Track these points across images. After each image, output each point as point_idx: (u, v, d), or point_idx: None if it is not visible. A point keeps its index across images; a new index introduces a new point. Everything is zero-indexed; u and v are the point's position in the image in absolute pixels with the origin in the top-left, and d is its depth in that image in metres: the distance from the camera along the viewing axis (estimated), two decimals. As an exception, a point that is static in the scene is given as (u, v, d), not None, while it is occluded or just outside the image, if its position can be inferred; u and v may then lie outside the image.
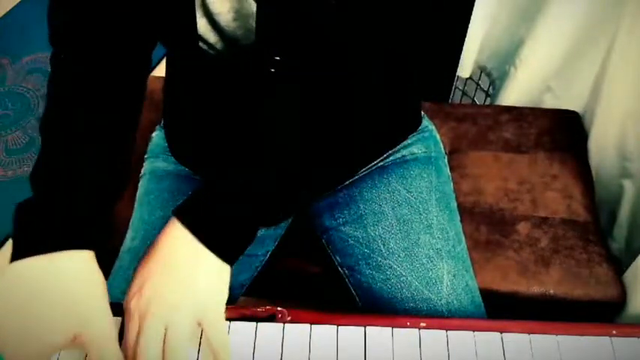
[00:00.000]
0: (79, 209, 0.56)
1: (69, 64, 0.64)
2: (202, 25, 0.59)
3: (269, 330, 0.58)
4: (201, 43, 0.61)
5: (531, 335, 0.58)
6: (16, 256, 0.53)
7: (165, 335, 0.52)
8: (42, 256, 0.53)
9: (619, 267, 0.94)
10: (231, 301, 0.57)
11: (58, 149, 0.60)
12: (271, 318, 0.59)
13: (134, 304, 0.53)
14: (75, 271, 0.54)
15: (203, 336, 0.57)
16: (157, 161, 0.82)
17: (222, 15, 0.59)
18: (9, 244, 1.38)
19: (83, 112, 0.61)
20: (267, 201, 0.59)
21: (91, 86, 0.63)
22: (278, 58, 0.60)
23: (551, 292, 0.90)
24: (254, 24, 0.58)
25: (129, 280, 0.70)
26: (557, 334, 0.58)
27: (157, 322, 0.52)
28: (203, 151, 0.77)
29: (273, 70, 0.61)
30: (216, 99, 0.69)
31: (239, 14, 0.59)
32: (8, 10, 2.05)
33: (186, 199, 0.58)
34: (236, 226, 0.57)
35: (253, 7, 0.57)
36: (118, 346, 0.53)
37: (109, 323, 0.54)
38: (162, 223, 0.74)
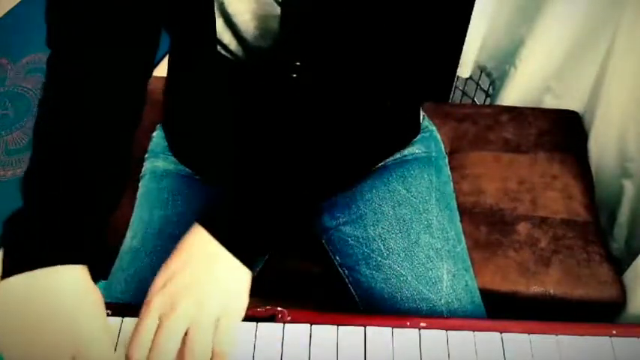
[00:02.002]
0: (72, 222, 0.55)
1: (65, 67, 0.61)
2: (218, 25, 0.59)
3: (269, 330, 0.58)
4: (217, 44, 0.60)
5: (531, 335, 0.58)
6: (6, 272, 0.52)
7: (187, 333, 0.51)
8: (34, 272, 0.51)
9: (619, 267, 0.94)
10: None
11: (49, 159, 0.57)
12: (271, 318, 0.59)
13: (158, 300, 0.53)
14: (69, 289, 0.52)
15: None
16: (157, 161, 0.82)
17: (240, 15, 0.58)
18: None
19: (79, 120, 0.59)
20: (288, 207, 0.59)
21: (88, 93, 0.61)
22: (299, 63, 0.60)
23: (551, 292, 0.90)
24: (273, 25, 0.58)
25: (128, 280, 0.70)
26: (557, 334, 0.58)
27: (181, 319, 0.51)
28: (206, 151, 0.76)
29: (294, 75, 0.61)
30: (226, 100, 0.69)
31: (257, 15, 0.58)
32: (8, 10, 2.05)
33: (209, 207, 0.58)
34: (258, 232, 0.57)
35: (273, 8, 0.57)
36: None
37: (106, 342, 0.53)
38: (162, 223, 0.75)
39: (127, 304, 0.57)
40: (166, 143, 0.83)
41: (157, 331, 0.51)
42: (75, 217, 0.55)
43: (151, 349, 0.51)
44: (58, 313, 0.51)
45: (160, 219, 0.75)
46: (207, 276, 0.54)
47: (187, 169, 0.80)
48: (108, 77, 0.62)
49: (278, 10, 0.57)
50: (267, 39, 0.60)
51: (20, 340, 0.51)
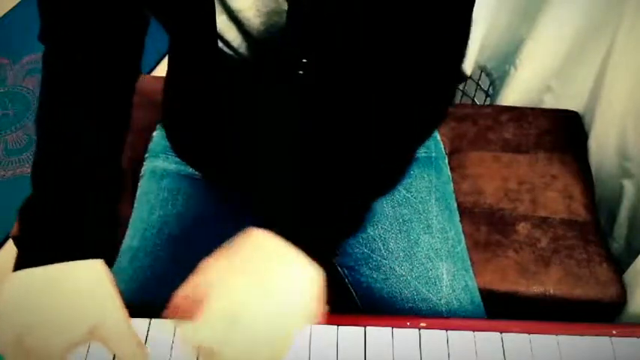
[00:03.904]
0: (84, 214, 0.56)
1: (58, 61, 0.62)
2: (221, 22, 0.58)
3: (269, 330, 0.58)
4: (218, 41, 0.60)
5: (531, 335, 0.58)
6: (22, 263, 0.53)
7: None
8: (49, 266, 0.52)
9: (619, 267, 0.94)
10: None
11: (49, 153, 0.59)
12: (271, 318, 0.59)
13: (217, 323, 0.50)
14: (86, 279, 0.53)
15: None
16: (156, 160, 0.82)
17: (244, 12, 0.57)
18: (9, 244, 1.38)
19: (73, 112, 0.60)
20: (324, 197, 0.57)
21: (81, 85, 0.61)
22: (305, 60, 0.59)
23: (551, 292, 0.90)
24: (278, 21, 0.57)
25: (128, 280, 0.70)
26: (557, 334, 0.58)
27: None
28: (207, 149, 0.76)
29: (300, 72, 0.60)
30: (228, 97, 0.68)
31: (262, 11, 0.57)
32: (8, 10, 2.05)
33: (268, 209, 0.56)
34: (333, 228, 0.56)
35: (278, 4, 0.56)
36: (135, 336, 0.53)
37: (123, 314, 0.53)
38: (162, 223, 0.74)
39: (126, 304, 0.56)
40: (166, 143, 0.82)
41: None
42: (84, 212, 0.56)
43: None
44: (74, 292, 0.52)
45: (159, 219, 0.75)
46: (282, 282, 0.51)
47: (187, 169, 0.80)
48: (99, 71, 0.63)
49: (283, 5, 0.57)
50: (272, 35, 0.59)
51: (38, 320, 0.51)
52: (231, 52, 0.61)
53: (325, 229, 0.56)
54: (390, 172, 0.62)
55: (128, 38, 0.65)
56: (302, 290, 0.51)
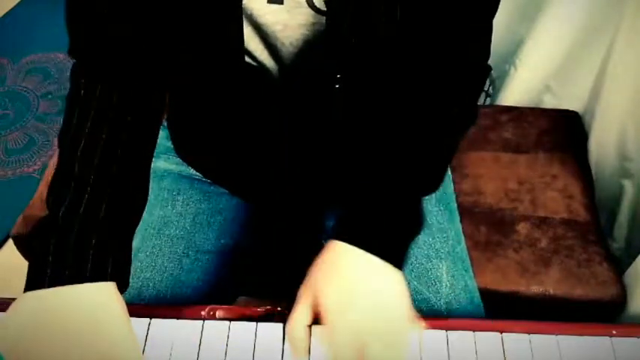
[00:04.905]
0: (100, 240, 0.54)
1: (89, 82, 0.60)
2: (247, 35, 0.57)
3: (269, 330, 0.58)
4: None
5: (531, 335, 0.58)
6: (31, 285, 0.52)
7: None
8: (60, 288, 0.51)
9: (619, 267, 0.94)
10: (228, 301, 0.56)
11: (73, 174, 0.56)
12: (271, 317, 0.59)
13: (344, 324, 0.53)
14: (96, 301, 0.52)
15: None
16: (157, 161, 0.82)
17: (271, 26, 0.57)
18: (9, 244, 1.38)
19: (103, 135, 0.58)
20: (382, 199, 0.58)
21: (112, 107, 0.59)
22: (339, 75, 0.60)
23: (551, 292, 0.90)
24: (306, 33, 0.57)
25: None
26: (557, 334, 0.58)
27: (378, 339, 0.52)
28: (220, 156, 0.75)
29: (337, 86, 0.60)
30: (247, 109, 0.66)
31: (288, 26, 0.57)
32: (8, 10, 2.05)
33: (342, 221, 0.58)
34: (397, 230, 0.57)
35: (306, 17, 0.56)
36: None
37: (134, 350, 0.52)
38: (162, 223, 0.74)
39: (126, 304, 0.56)
40: (168, 143, 0.82)
41: None
42: (102, 236, 0.55)
43: None
44: (86, 323, 0.51)
45: (159, 219, 0.75)
46: (375, 292, 0.54)
47: (188, 170, 0.80)
48: (130, 94, 0.61)
49: (311, 18, 0.56)
50: (300, 49, 0.59)
51: (49, 352, 0.50)
52: (256, 65, 0.61)
53: (389, 234, 0.57)
54: (432, 168, 0.63)
55: (163, 71, 0.63)
56: (401, 294, 0.55)
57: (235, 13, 0.55)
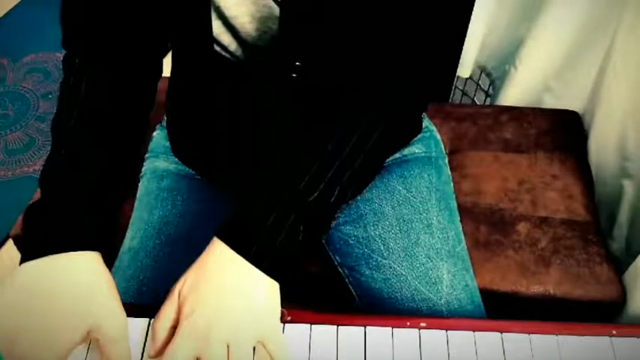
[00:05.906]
0: (84, 212, 0.58)
1: (81, 68, 0.64)
2: (216, 27, 0.60)
3: (269, 330, 0.58)
4: (215, 45, 0.61)
5: (531, 335, 0.58)
6: (25, 257, 0.55)
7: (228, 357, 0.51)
8: (50, 257, 0.54)
9: (619, 267, 0.94)
10: None
11: (66, 153, 0.61)
12: (271, 318, 0.59)
13: (189, 328, 0.52)
14: (83, 271, 0.55)
15: (260, 353, 0.55)
16: (157, 160, 0.82)
17: (238, 18, 0.59)
18: (9, 244, 1.38)
19: (94, 117, 0.63)
20: (306, 211, 0.58)
21: (104, 92, 0.64)
22: (299, 63, 0.60)
23: (551, 292, 0.90)
24: (272, 26, 0.58)
25: (128, 280, 0.70)
26: (557, 334, 0.58)
27: (221, 345, 0.51)
28: (208, 151, 0.76)
29: (294, 75, 0.61)
30: (226, 100, 0.69)
31: (255, 17, 0.59)
32: (8, 10, 2.05)
33: (227, 220, 0.57)
34: (281, 243, 0.56)
35: (271, 10, 0.57)
36: (128, 342, 0.55)
37: (120, 318, 0.55)
38: (162, 223, 0.74)
39: (126, 303, 0.57)
40: (167, 143, 0.83)
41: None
42: (89, 209, 0.58)
43: None
44: (74, 292, 0.54)
45: (159, 219, 0.75)
46: (239, 297, 0.54)
47: (187, 169, 0.80)
48: (121, 77, 0.65)
49: (276, 11, 0.57)
50: (267, 40, 0.60)
51: (37, 321, 0.53)
52: (227, 55, 0.63)
53: (268, 243, 0.56)
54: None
55: (154, 44, 0.68)
56: (266, 306, 0.55)
57: (203, 5, 0.58)
